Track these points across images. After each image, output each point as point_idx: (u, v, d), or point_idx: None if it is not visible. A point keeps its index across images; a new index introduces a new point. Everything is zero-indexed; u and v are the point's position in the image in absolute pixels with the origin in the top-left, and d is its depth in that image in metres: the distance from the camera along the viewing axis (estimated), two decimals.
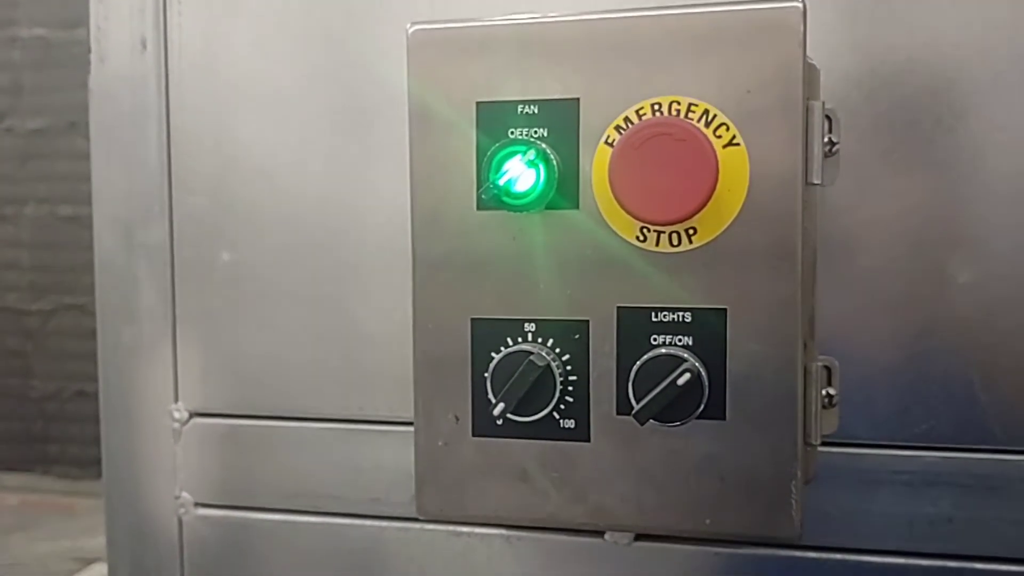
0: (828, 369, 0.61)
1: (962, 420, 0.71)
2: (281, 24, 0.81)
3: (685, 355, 0.57)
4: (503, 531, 0.77)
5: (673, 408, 0.56)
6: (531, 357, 0.58)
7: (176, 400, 0.85)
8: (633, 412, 0.56)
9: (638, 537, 0.74)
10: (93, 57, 0.85)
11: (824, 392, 0.61)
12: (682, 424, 0.57)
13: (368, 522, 0.81)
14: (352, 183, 0.80)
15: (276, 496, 0.83)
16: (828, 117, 0.60)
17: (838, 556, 0.73)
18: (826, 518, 0.73)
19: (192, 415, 0.84)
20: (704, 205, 0.54)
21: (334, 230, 0.80)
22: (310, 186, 0.81)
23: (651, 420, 0.57)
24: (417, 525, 0.79)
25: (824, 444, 0.70)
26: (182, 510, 0.85)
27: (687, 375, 0.55)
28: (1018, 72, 0.69)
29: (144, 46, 0.84)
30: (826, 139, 0.60)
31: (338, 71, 0.79)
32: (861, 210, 0.71)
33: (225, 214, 0.83)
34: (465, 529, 0.78)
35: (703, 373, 0.57)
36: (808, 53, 0.59)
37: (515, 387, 0.58)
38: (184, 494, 0.85)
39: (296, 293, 0.82)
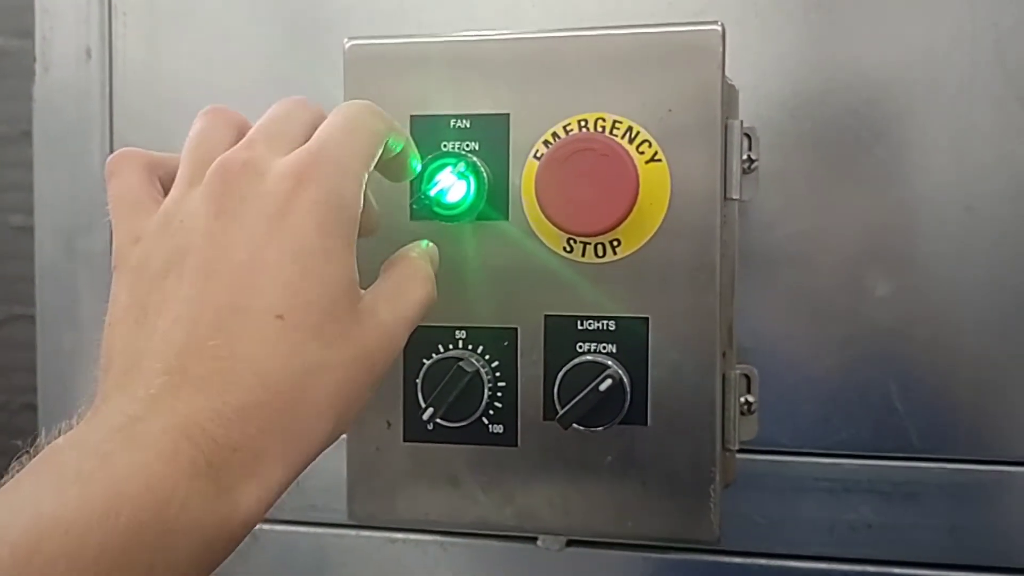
0: (747, 377, 0.64)
1: (880, 428, 0.73)
2: (224, 35, 0.82)
3: (608, 362, 0.59)
4: (438, 537, 0.78)
5: (596, 413, 0.58)
6: (460, 363, 0.60)
7: None
8: (557, 417, 0.58)
9: (570, 543, 0.76)
10: (38, 67, 0.86)
11: (743, 399, 0.63)
12: (605, 428, 0.59)
13: (304, 528, 0.82)
14: None
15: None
16: (747, 135, 0.63)
17: (762, 561, 0.75)
18: (751, 524, 0.75)
19: None
20: (625, 217, 0.56)
21: None
22: None
23: (574, 425, 0.58)
24: (352, 532, 0.80)
25: (748, 452, 0.73)
26: None
27: (609, 381, 0.57)
28: (935, 93, 0.72)
29: (89, 55, 0.84)
30: (745, 156, 0.62)
31: (280, 82, 0.81)
32: (785, 225, 0.74)
33: None
34: (400, 536, 0.79)
35: (625, 380, 0.59)
36: (731, 74, 0.61)
37: (444, 392, 0.59)
38: None
39: None
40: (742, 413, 0.63)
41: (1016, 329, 0.71)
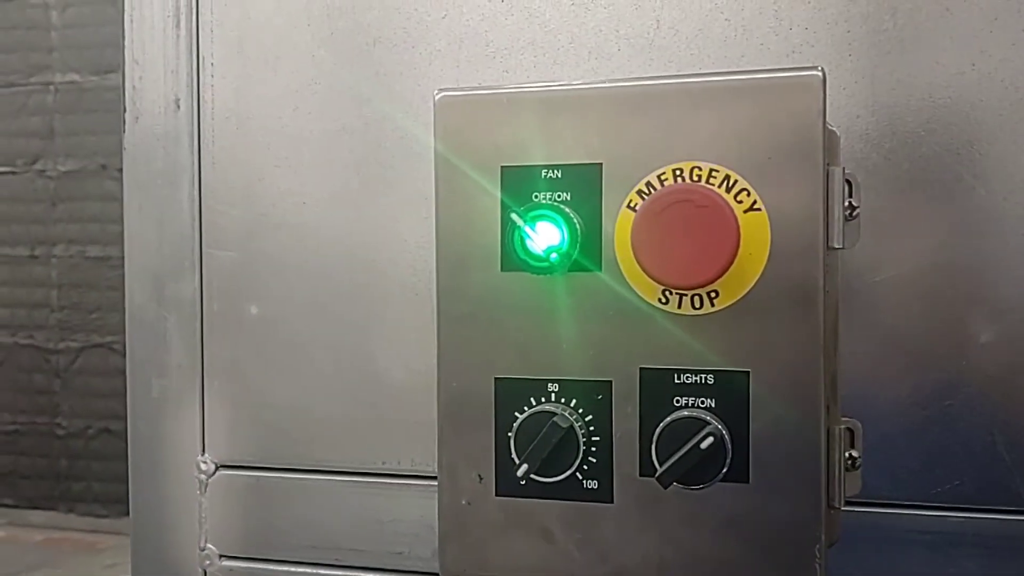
0: (851, 431, 0.61)
1: (985, 480, 0.70)
2: (311, 82, 0.83)
3: (708, 417, 0.57)
4: None
5: (696, 471, 0.56)
6: (554, 418, 0.59)
7: (203, 452, 0.86)
8: (656, 475, 0.57)
9: None
10: (128, 116, 0.87)
11: (848, 454, 0.61)
12: (705, 487, 0.57)
13: None
14: (377, 236, 0.81)
15: (299, 548, 0.84)
16: (848, 182, 0.61)
17: None
18: None
19: (218, 467, 0.85)
20: (725, 271, 0.55)
21: (360, 283, 0.82)
22: (337, 239, 0.82)
23: (674, 483, 0.57)
24: None
25: (848, 504, 0.70)
26: (207, 562, 0.86)
27: (711, 439, 0.56)
28: None
29: (178, 105, 0.86)
30: (847, 203, 0.61)
31: (365, 128, 0.81)
32: (882, 269, 0.72)
33: (254, 268, 0.84)
34: None
35: (726, 436, 0.57)
36: (828, 116, 0.60)
37: (538, 448, 0.58)
38: (209, 546, 0.86)
39: (322, 345, 0.83)
40: (846, 469, 0.61)
41: None
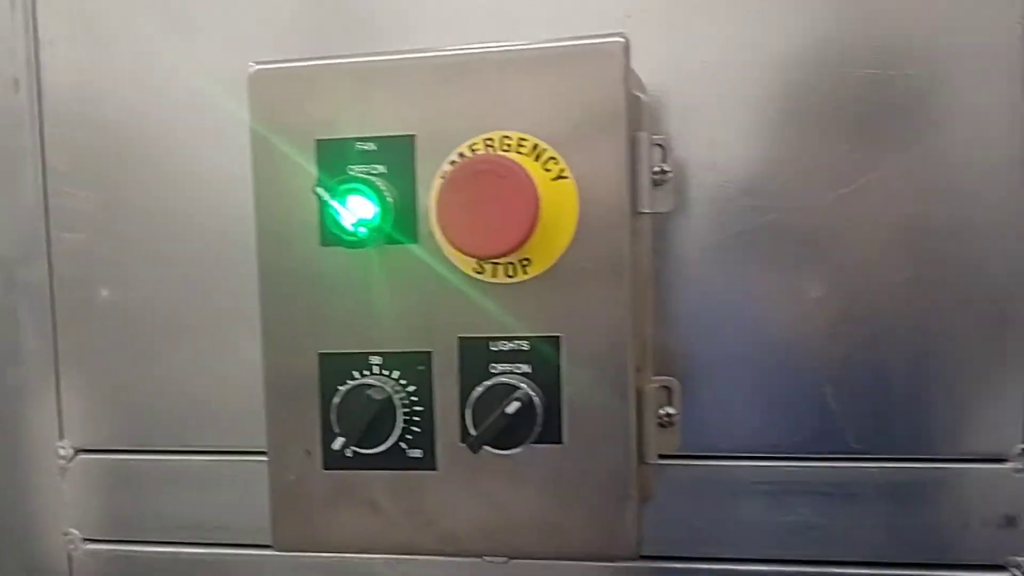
0: (668, 389, 0.63)
1: (817, 431, 0.73)
2: (152, 59, 0.81)
3: (518, 383, 0.59)
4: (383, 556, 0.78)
5: (506, 435, 0.58)
6: (369, 391, 0.59)
7: (61, 437, 0.85)
8: (466, 441, 0.58)
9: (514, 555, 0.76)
10: None
11: (664, 412, 0.63)
12: (518, 450, 0.59)
13: (255, 551, 0.82)
14: (238, 215, 0.80)
15: (163, 529, 0.84)
16: (661, 146, 0.62)
17: (704, 565, 0.75)
18: (692, 529, 0.75)
19: (77, 451, 0.85)
20: (525, 239, 0.56)
21: (220, 263, 0.80)
22: (197, 220, 0.81)
23: (487, 447, 0.58)
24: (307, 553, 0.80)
25: (687, 458, 0.73)
26: (71, 546, 0.85)
27: (516, 403, 0.57)
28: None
29: (17, 87, 0.84)
30: (657, 168, 0.62)
31: (204, 106, 0.80)
32: (720, 231, 0.73)
33: (104, 251, 0.83)
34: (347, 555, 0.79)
35: (536, 400, 0.58)
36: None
37: (354, 421, 0.59)
38: (72, 530, 0.85)
39: (179, 328, 0.82)
40: (662, 426, 0.63)
41: (945, 327, 0.71)
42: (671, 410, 0.63)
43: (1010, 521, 0.71)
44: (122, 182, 0.83)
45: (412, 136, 0.61)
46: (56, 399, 0.85)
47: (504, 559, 0.73)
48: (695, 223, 0.73)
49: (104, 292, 0.83)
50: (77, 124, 0.83)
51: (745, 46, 0.71)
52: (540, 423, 0.58)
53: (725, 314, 0.73)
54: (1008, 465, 0.70)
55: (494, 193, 0.56)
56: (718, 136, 0.72)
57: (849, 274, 0.72)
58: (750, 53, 0.71)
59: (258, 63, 0.64)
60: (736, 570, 0.75)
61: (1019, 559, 0.71)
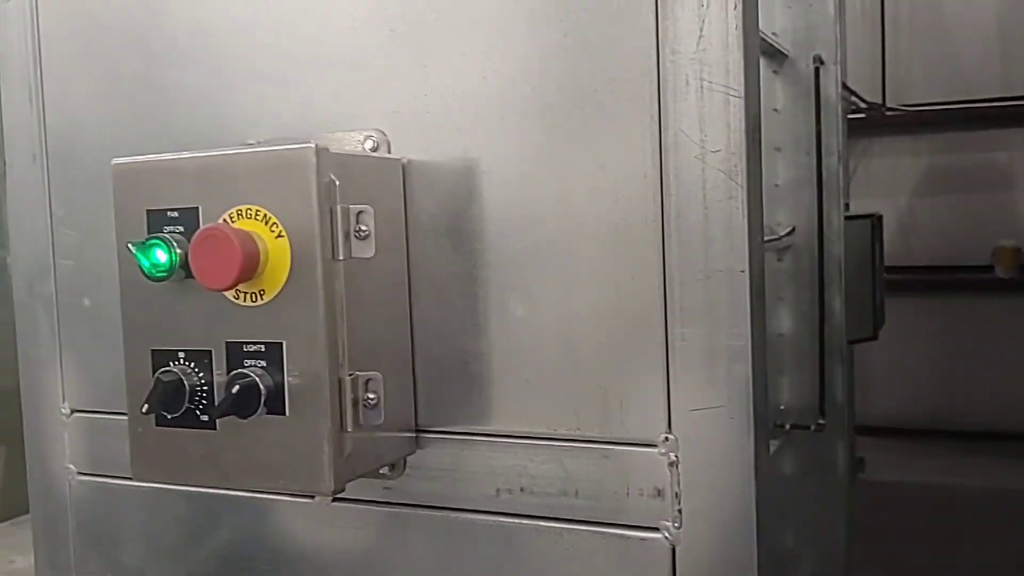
0: (370, 379, 0.91)
1: None
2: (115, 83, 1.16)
3: (249, 372, 0.88)
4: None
5: (240, 407, 0.88)
6: (160, 375, 0.91)
7: (63, 400, 1.23)
8: (212, 411, 0.88)
9: (335, 499, 1.06)
10: (8, 167, 1.24)
11: (367, 396, 0.90)
12: (249, 418, 0.88)
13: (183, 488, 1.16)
14: None
15: (127, 468, 1.19)
16: (362, 212, 0.90)
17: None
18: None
19: (73, 411, 1.22)
20: (235, 281, 0.85)
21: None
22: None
23: (229, 415, 0.88)
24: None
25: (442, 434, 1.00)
26: (69, 476, 1.23)
27: (238, 386, 0.87)
28: None
29: (34, 159, 1.22)
30: (357, 229, 0.89)
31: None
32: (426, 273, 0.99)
33: (85, 273, 1.19)
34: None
35: (261, 384, 0.88)
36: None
37: (151, 394, 0.91)
38: (69, 465, 1.23)
39: None
40: (366, 406, 0.90)
41: None
42: (371, 395, 0.91)
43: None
44: (96, 225, 1.18)
45: (197, 208, 0.91)
46: (60, 373, 1.22)
47: (328, 501, 1.03)
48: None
49: (86, 301, 1.20)
50: (70, 183, 1.20)
51: None
52: (264, 401, 0.88)
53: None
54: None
55: (214, 250, 0.86)
56: None
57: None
58: None
59: (118, 160, 0.96)
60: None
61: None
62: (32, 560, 1.27)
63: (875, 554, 2.57)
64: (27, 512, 1.26)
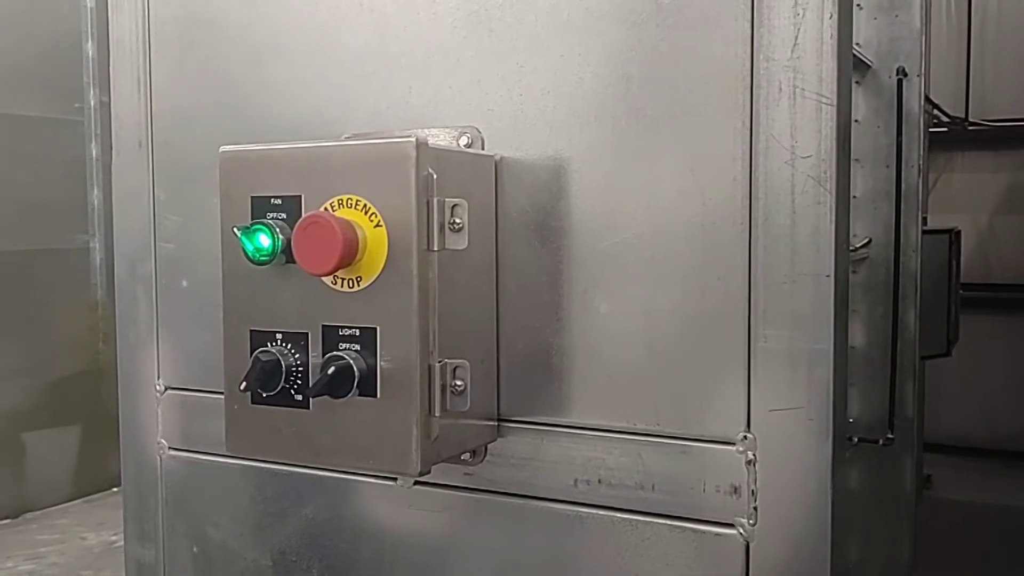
0: (458, 367, 0.94)
1: None
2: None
3: (344, 355, 0.92)
4: (318, 472, 1.14)
5: (334, 388, 0.92)
6: (259, 354, 0.95)
7: (158, 378, 1.28)
8: (307, 391, 0.93)
9: (417, 483, 1.09)
10: (114, 153, 1.30)
11: (454, 383, 0.94)
12: (342, 399, 0.92)
13: (269, 465, 1.21)
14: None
15: (216, 444, 1.25)
16: (456, 206, 0.93)
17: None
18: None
19: (167, 388, 1.28)
20: (335, 267, 0.89)
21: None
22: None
23: (325, 396, 0.92)
24: (316, 471, 1.17)
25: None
26: (161, 451, 1.29)
27: (333, 367, 0.91)
28: None
29: (140, 146, 1.28)
30: (452, 221, 0.93)
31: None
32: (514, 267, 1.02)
33: (185, 256, 1.25)
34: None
35: (355, 367, 0.92)
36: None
37: (249, 373, 0.95)
38: (162, 440, 1.29)
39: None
40: (453, 393, 0.94)
41: None
42: (458, 382, 0.94)
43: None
44: (197, 210, 1.24)
45: (299, 196, 0.96)
46: (156, 351, 1.28)
47: (410, 484, 1.07)
48: None
49: (184, 283, 1.26)
50: (174, 169, 1.26)
51: None
52: (357, 383, 0.92)
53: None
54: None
55: (317, 236, 0.90)
56: None
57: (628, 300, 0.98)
58: None
59: (225, 147, 1.01)
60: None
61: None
62: (101, 538, 1.33)
63: (939, 573, 2.53)
64: (99, 491, 1.31)
